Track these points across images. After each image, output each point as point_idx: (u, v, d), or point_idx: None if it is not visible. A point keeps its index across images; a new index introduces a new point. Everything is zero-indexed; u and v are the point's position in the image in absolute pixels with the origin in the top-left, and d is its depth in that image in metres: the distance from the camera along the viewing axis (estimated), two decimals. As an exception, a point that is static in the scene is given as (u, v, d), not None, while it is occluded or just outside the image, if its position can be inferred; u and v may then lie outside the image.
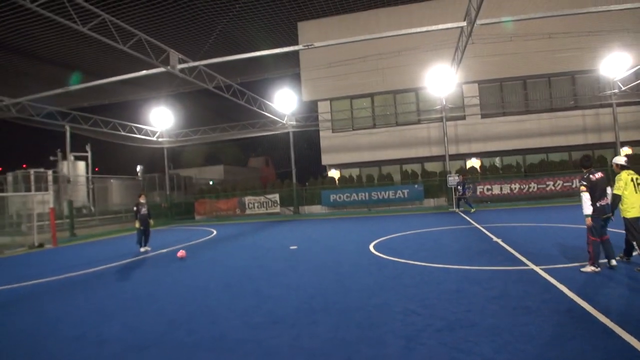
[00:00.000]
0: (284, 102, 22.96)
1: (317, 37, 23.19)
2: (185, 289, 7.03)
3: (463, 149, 23.80)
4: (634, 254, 6.66)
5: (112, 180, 28.45)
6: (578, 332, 3.98)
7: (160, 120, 24.66)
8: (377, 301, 5.47)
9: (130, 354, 4.24)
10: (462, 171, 21.73)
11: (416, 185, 22.39)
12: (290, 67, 28.21)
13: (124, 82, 20.68)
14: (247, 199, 24.34)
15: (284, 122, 24.51)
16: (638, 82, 20.95)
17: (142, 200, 12.20)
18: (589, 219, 6.25)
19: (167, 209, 24.67)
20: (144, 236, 12.18)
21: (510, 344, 3.80)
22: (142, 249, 12.00)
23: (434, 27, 15.16)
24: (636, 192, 6.33)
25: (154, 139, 26.14)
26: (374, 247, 10.05)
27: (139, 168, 32.99)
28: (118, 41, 12.27)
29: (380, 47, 22.85)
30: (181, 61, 15.40)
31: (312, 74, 24.88)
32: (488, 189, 21.24)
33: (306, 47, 16.81)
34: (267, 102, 22.81)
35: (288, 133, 25.06)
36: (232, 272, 8.20)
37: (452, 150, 23.29)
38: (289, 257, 9.45)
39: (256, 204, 24.14)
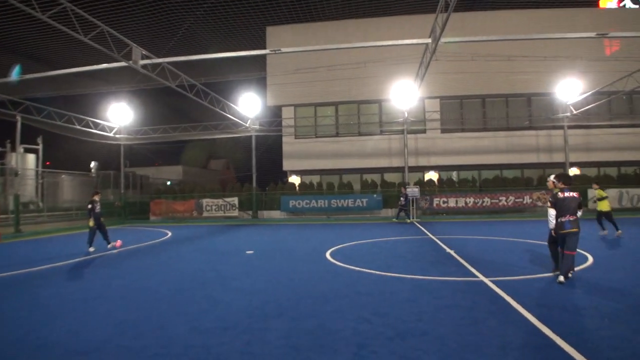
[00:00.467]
0: (248, 106, 22.87)
1: (285, 42, 23.32)
2: (135, 292, 6.78)
3: (422, 161, 24.41)
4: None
5: (63, 176, 27.20)
6: (523, 343, 4.14)
7: (119, 116, 23.91)
8: (331, 308, 5.50)
9: (68, 361, 4.02)
10: (404, 184, 22.21)
11: (375, 195, 22.72)
12: (256, 71, 28.10)
13: (83, 74, 20.01)
14: (205, 201, 23.91)
15: (247, 125, 24.32)
16: (588, 107, 22.19)
17: (97, 198, 11.79)
18: (552, 231, 6.75)
19: (121, 208, 23.85)
20: (101, 234, 11.80)
21: (457, 354, 3.92)
22: (91, 249, 11.56)
23: (400, 42, 15.60)
24: None
25: (111, 135, 25.30)
26: (331, 254, 10.09)
27: (93, 164, 31.72)
28: (79, 32, 11.86)
29: (348, 57, 23.13)
30: (144, 57, 15.06)
31: (278, 79, 24.89)
32: (444, 202, 21.83)
33: (273, 52, 16.87)
34: (230, 104, 22.58)
35: (250, 137, 24.88)
36: (184, 275, 8.01)
37: (412, 162, 23.84)
38: (244, 262, 9.33)
39: (214, 207, 23.75)
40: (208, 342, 4.39)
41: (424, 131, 24.61)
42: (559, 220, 6.60)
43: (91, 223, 11.59)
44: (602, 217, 12.58)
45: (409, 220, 19.31)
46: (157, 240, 14.13)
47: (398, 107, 22.68)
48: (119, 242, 12.21)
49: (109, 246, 11.86)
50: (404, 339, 4.34)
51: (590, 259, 8.51)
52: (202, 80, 26.06)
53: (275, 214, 23.72)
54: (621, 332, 4.36)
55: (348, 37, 23.43)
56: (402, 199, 19.87)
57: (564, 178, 6.84)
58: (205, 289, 6.79)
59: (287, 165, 25.60)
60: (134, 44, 14.50)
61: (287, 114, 25.61)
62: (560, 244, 6.70)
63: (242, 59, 25.31)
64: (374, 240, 12.96)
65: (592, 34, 14.65)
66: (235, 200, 23.65)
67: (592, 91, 21.27)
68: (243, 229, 17.96)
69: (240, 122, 23.99)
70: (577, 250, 6.92)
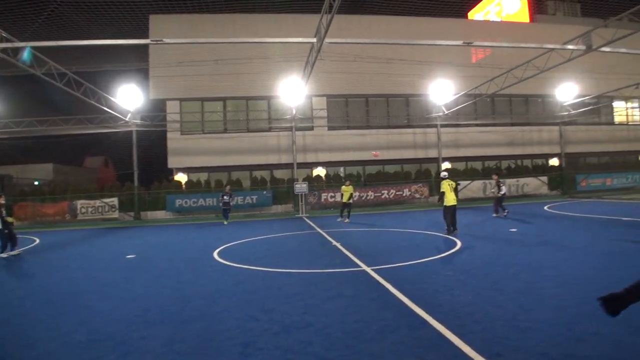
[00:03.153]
0: (128, 98, 21.75)
1: (169, 33, 22.50)
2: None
3: (310, 158, 25.43)
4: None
5: None
6: (399, 325, 4.63)
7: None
8: (218, 309, 5.57)
9: None
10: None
11: (265, 192, 23.11)
12: (137, 61, 26.78)
13: None
14: (80, 203, 22.30)
15: (127, 119, 23.12)
16: (457, 107, 24.87)
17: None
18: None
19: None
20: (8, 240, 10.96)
21: (340, 341, 4.24)
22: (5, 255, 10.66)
23: (286, 40, 16.17)
24: (450, 192, 11.40)
25: (-40, 128, 22.35)
26: (219, 254, 10.19)
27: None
28: None
29: (235, 51, 23.20)
30: (3, 39, 13.62)
31: (162, 71, 23.98)
32: (332, 196, 22.99)
33: (155, 43, 16.30)
34: (108, 96, 21.29)
35: (131, 132, 23.66)
36: (55, 286, 7.59)
37: (300, 158, 24.72)
38: (124, 267, 9.07)
39: (90, 209, 22.25)
40: (81, 357, 4.21)
41: (311, 128, 25.63)
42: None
43: None
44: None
45: (226, 222, 18.56)
46: (22, 249, 12.88)
47: (286, 104, 23.33)
48: None
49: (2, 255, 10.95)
50: (289, 332, 4.56)
51: (459, 243, 9.96)
52: (74, 68, 24.12)
53: (160, 215, 23.01)
54: (483, 307, 5.11)
55: (236, 31, 23.46)
56: (225, 197, 18.65)
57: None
58: (79, 299, 6.47)
59: (172, 162, 24.84)
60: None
61: (172, 108, 24.84)
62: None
63: (121, 48, 23.96)
64: (263, 237, 13.41)
65: (460, 42, 16.55)
66: (114, 200, 22.45)
67: (461, 93, 23.98)
68: (124, 232, 17.25)
69: (120, 116, 22.73)
70: (448, 236, 10.98)
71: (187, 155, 24.75)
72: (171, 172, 25.73)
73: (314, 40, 15.18)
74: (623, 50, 17.62)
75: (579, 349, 3.76)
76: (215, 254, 10.13)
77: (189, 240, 13.64)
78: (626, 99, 29.59)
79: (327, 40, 14.44)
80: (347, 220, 16.82)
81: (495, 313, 4.88)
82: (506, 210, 15.66)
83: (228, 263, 8.92)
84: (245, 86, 24.79)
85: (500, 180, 16.77)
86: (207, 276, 7.75)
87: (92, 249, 12.60)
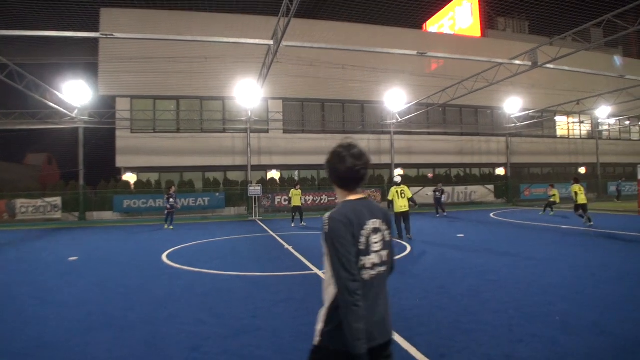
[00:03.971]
0: (76, 93, 20.93)
1: (121, 27, 22.01)
2: None
3: (265, 160, 25.43)
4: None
5: None
6: None
7: None
8: (165, 313, 5.45)
9: None
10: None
11: (217, 194, 22.85)
12: (86, 55, 25.76)
13: None
14: (20, 202, 21.21)
15: (74, 116, 22.25)
16: (410, 116, 25.61)
17: None
18: None
19: None
20: None
21: (289, 344, 4.24)
22: None
23: (243, 40, 16.12)
24: (399, 198, 11.75)
25: None
26: (168, 256, 10.00)
27: None
28: None
29: (190, 50, 22.87)
30: None
31: (113, 67, 23.29)
32: (285, 200, 23.01)
33: (105, 37, 15.84)
34: (54, 90, 20.41)
35: (77, 129, 22.77)
36: (-11, 291, 7.15)
37: (255, 161, 24.69)
38: (67, 271, 8.58)
39: (31, 208, 21.22)
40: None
41: (267, 131, 25.64)
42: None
43: None
44: None
45: (168, 226, 17.13)
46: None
47: (242, 106, 23.20)
48: None
49: None
50: (238, 336, 4.53)
51: (409, 248, 10.35)
52: (17, 60, 22.96)
53: (107, 215, 22.29)
54: (429, 310, 5.27)
55: (191, 29, 23.11)
56: (170, 199, 17.31)
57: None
58: (16, 305, 6.12)
59: (121, 161, 24.08)
60: None
61: (122, 105, 24.12)
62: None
63: (70, 41, 23.01)
64: (215, 239, 13.31)
65: (415, 52, 17.11)
66: (57, 200, 21.55)
67: (414, 102, 24.72)
68: (67, 233, 16.56)
69: (66, 111, 21.85)
70: (399, 241, 11.21)
71: (137, 155, 24.07)
72: (119, 172, 24.93)
73: (271, 42, 15.28)
74: (566, 67, 18.86)
75: (517, 350, 3.97)
76: (164, 257, 9.92)
77: (137, 242, 13.27)
78: (568, 114, 31.58)
79: (284, 43, 14.59)
80: (303, 223, 17.06)
81: (440, 315, 5.06)
82: (445, 213, 20.03)
83: (177, 266, 8.76)
84: (199, 86, 24.48)
85: (443, 187, 21.23)
86: (155, 279, 7.55)
87: (32, 250, 11.95)
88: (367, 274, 1.95)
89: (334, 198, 23.88)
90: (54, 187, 23.28)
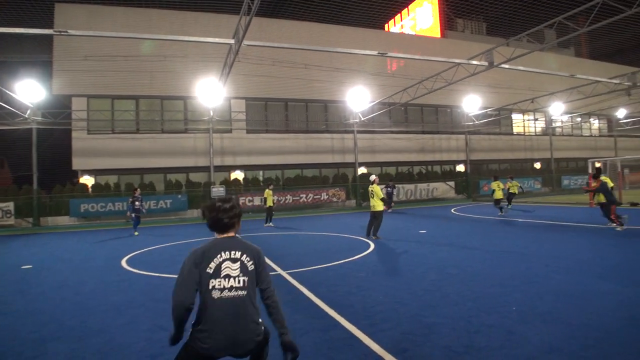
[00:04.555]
0: (28, 92, 20.03)
1: (77, 24, 21.33)
2: None
3: (228, 161, 25.19)
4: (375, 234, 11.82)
5: None
6: (312, 327, 4.75)
7: None
8: (123, 320, 5.34)
9: None
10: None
11: (180, 196, 22.53)
12: (40, 53, 24.76)
13: None
14: (-32, 207, 20.21)
15: (26, 116, 21.33)
16: (373, 115, 26.01)
17: None
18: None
19: None
20: None
21: None
22: None
23: (204, 39, 15.93)
24: (371, 198, 11.94)
25: None
26: (127, 261, 9.82)
27: None
28: None
29: (150, 48, 22.18)
30: None
31: (68, 65, 22.45)
32: (250, 200, 22.95)
33: (59, 33, 15.27)
34: (4, 89, 19.52)
35: (30, 129, 21.85)
36: None
37: (218, 162, 24.43)
38: (18, 279, 8.29)
39: (-20, 213, 20.25)
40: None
41: (230, 131, 25.41)
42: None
43: None
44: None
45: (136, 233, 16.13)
46: None
47: (204, 106, 22.89)
48: None
49: None
50: None
51: (372, 245, 10.65)
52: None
53: (63, 220, 21.57)
54: (392, 306, 5.41)
55: (151, 27, 22.71)
56: (136, 202, 16.01)
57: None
58: None
59: (77, 163, 23.27)
60: None
61: (78, 105, 23.28)
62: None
63: (21, 37, 22.09)
64: (177, 243, 13.12)
65: (376, 52, 17.37)
66: (10, 205, 20.68)
67: (376, 101, 25.11)
68: (20, 240, 15.95)
69: (17, 111, 20.92)
70: (365, 239, 11.59)
71: (95, 157, 23.29)
72: (76, 175, 24.09)
73: (232, 41, 15.16)
74: (521, 67, 19.67)
75: (476, 340, 4.15)
76: (123, 262, 9.73)
77: (95, 247, 12.92)
78: (523, 112, 32.89)
79: (245, 42, 14.51)
80: (271, 223, 17.11)
81: (403, 311, 5.22)
82: (390, 210, 21.24)
83: (137, 271, 8.60)
84: (160, 85, 23.99)
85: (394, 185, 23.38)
86: (113, 286, 7.38)
87: (-19, 259, 11.52)
88: (216, 294, 2.46)
89: (298, 198, 24.02)
90: (6, 192, 22.24)
